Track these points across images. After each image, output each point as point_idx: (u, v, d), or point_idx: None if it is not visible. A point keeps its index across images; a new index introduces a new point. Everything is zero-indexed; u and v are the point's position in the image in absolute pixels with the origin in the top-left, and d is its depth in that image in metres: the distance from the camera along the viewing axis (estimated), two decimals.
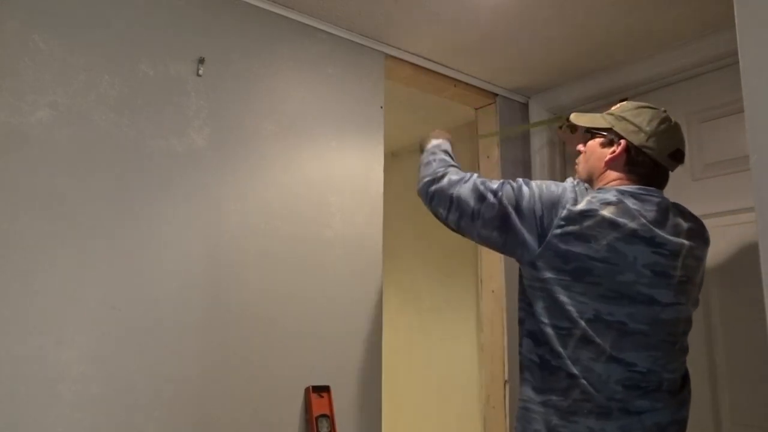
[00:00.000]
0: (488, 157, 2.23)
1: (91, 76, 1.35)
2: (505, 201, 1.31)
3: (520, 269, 1.35)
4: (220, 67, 1.54)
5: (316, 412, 1.51)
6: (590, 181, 1.41)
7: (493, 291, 2.16)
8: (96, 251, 1.30)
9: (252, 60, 1.61)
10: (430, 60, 1.99)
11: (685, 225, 1.32)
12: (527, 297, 1.32)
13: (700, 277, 1.35)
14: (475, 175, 1.40)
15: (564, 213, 1.25)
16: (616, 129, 1.36)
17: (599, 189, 1.34)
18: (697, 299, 1.36)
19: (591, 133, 1.44)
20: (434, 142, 1.59)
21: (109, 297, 1.30)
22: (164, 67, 1.46)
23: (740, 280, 1.66)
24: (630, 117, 1.36)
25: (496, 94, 2.21)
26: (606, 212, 1.24)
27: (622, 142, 1.35)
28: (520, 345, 1.33)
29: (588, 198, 1.28)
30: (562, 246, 1.24)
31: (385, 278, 1.79)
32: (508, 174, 2.15)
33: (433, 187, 1.42)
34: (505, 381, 2.06)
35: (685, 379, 1.31)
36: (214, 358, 1.42)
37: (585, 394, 1.20)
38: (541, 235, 1.26)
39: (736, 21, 1.03)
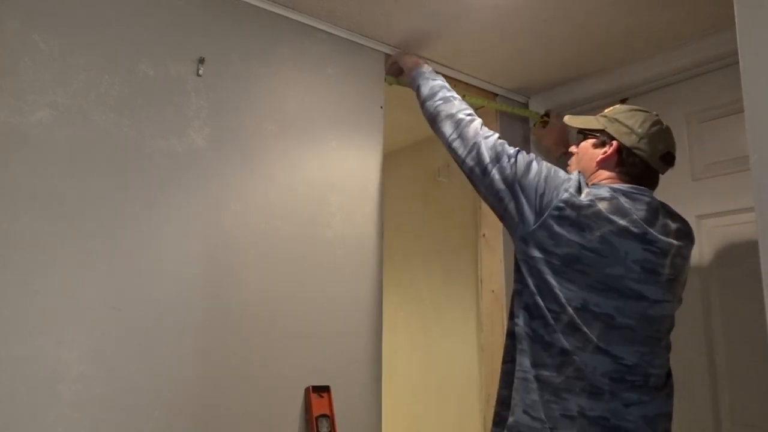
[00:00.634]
0: None
1: (91, 76, 1.35)
2: (516, 168, 1.34)
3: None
4: (220, 67, 1.54)
5: (316, 412, 1.51)
6: None
7: (493, 291, 2.16)
8: (96, 251, 1.30)
9: (252, 60, 1.61)
10: (430, 60, 1.98)
11: (673, 225, 1.35)
12: (521, 270, 1.33)
13: (685, 276, 1.38)
14: (497, 134, 1.45)
15: (565, 196, 1.28)
16: (609, 130, 1.40)
17: (593, 185, 1.36)
18: (681, 298, 1.38)
19: (584, 134, 1.47)
20: (426, 68, 1.70)
21: (109, 297, 1.30)
22: (164, 67, 1.46)
23: (740, 280, 1.66)
24: (622, 119, 1.39)
25: (496, 94, 2.21)
26: (600, 206, 1.27)
27: (614, 143, 1.38)
28: (517, 317, 1.33)
29: (585, 191, 1.31)
30: (557, 228, 1.26)
31: (385, 278, 1.79)
32: None
33: (461, 129, 1.46)
34: None
35: (668, 375, 1.33)
36: (214, 358, 1.42)
37: (578, 371, 1.22)
38: (538, 213, 1.28)
39: (736, 21, 1.04)
